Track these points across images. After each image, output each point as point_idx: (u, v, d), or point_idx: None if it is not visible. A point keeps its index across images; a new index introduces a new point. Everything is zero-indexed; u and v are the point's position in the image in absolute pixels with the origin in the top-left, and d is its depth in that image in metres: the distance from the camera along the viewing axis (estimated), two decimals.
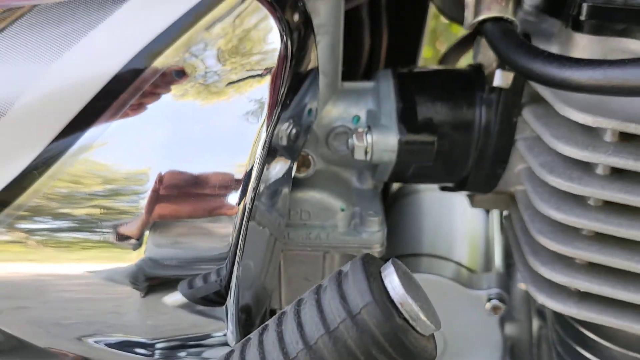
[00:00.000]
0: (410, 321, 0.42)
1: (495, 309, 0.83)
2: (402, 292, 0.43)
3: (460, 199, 1.00)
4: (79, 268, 0.60)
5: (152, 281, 0.60)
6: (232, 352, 0.49)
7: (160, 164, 0.58)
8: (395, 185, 1.15)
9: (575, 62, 0.51)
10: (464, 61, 0.97)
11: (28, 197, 0.58)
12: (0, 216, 0.59)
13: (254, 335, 0.47)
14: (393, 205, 1.09)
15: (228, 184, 0.58)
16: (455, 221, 1.02)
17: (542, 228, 0.65)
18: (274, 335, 0.44)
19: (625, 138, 0.59)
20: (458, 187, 0.76)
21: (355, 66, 1.00)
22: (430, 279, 0.86)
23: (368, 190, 0.76)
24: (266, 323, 0.48)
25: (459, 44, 0.95)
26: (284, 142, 0.63)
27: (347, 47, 0.88)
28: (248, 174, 0.57)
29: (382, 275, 0.44)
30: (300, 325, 0.43)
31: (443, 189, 0.82)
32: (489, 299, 0.84)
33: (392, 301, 0.42)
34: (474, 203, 0.81)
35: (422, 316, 0.43)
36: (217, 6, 0.57)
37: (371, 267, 0.45)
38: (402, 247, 0.95)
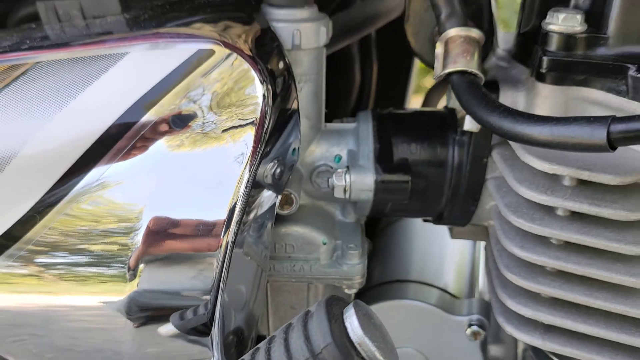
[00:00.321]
0: None
1: (475, 334, 0.88)
2: (361, 333, 0.47)
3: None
4: (76, 300, 0.65)
5: (145, 312, 0.65)
6: None
7: (152, 204, 0.63)
8: None
9: (526, 117, 0.56)
10: None
11: (35, 233, 0.64)
12: (11, 250, 0.65)
13: None
14: (385, 229, 1.14)
15: (212, 222, 0.63)
16: (444, 247, 1.07)
17: (509, 263, 0.69)
18: None
19: (583, 183, 0.63)
20: (436, 221, 0.81)
21: (346, 100, 1.05)
22: (416, 305, 0.91)
23: (351, 224, 0.81)
24: (241, 358, 0.53)
25: (439, 85, 1.00)
26: (269, 180, 0.68)
27: (339, 82, 0.93)
28: (231, 211, 0.63)
29: (344, 317, 0.49)
30: None
31: (425, 220, 0.87)
32: (470, 325, 0.88)
33: (351, 341, 0.47)
34: (453, 234, 0.86)
35: (379, 355, 0.47)
36: (204, 62, 0.62)
37: (334, 309, 0.49)
38: (392, 273, 1.00)
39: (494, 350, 0.96)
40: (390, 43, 1.08)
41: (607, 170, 0.60)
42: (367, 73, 1.05)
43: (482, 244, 1.08)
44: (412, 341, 0.91)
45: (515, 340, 0.98)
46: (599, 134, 0.50)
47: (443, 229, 1.08)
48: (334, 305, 0.50)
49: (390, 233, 1.12)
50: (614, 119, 0.50)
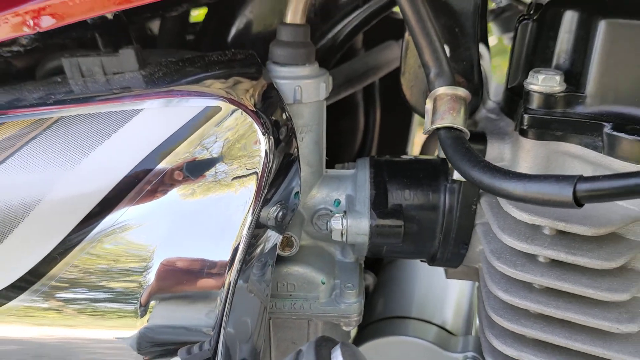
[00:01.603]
0: None
1: None
2: None
3: None
4: (92, 333, 0.71)
5: (154, 347, 0.70)
6: None
7: (164, 245, 0.69)
8: None
9: (503, 173, 0.60)
10: None
11: (58, 270, 0.70)
12: (35, 286, 0.71)
13: None
14: (389, 264, 1.19)
15: (217, 262, 0.69)
16: (445, 284, 1.11)
17: (495, 305, 0.73)
18: None
19: (561, 232, 0.67)
20: (430, 262, 0.85)
21: (352, 142, 1.11)
22: (414, 342, 0.95)
23: (350, 263, 0.86)
24: None
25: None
26: (272, 222, 0.74)
27: (344, 125, 0.99)
28: (234, 252, 0.68)
29: (331, 357, 0.54)
30: None
31: (421, 260, 0.91)
32: None
33: None
34: (447, 275, 0.90)
35: None
36: (212, 118, 0.69)
37: (323, 350, 0.54)
38: (394, 308, 1.04)
39: None
40: (393, 89, 1.14)
41: (582, 221, 0.64)
42: (370, 117, 1.11)
43: None
44: None
45: None
46: (566, 192, 0.55)
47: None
48: (323, 347, 0.54)
49: (394, 268, 1.17)
50: (580, 179, 0.55)
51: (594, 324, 0.66)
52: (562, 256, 0.66)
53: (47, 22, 0.69)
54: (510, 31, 1.19)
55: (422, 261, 0.91)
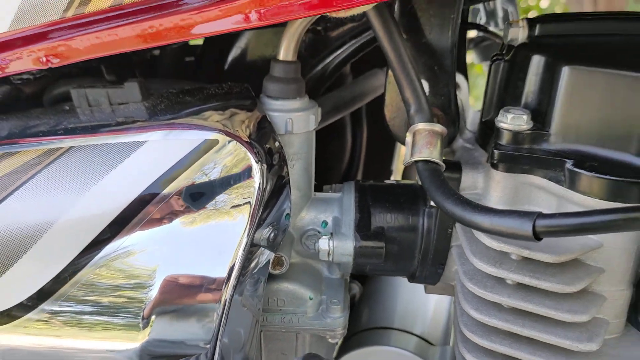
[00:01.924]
0: None
1: None
2: None
3: None
4: (99, 345, 0.77)
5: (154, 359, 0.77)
6: None
7: (165, 264, 0.76)
8: None
9: (473, 207, 0.67)
10: None
11: (68, 288, 0.76)
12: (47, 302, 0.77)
13: None
14: (374, 276, 1.25)
15: (215, 279, 0.75)
16: (425, 297, 1.18)
17: (467, 322, 0.80)
18: None
19: (527, 258, 0.74)
20: (410, 279, 0.92)
21: (339, 162, 1.17)
22: (395, 352, 1.01)
23: (336, 279, 0.93)
24: None
25: None
26: (265, 242, 0.80)
27: (332, 146, 1.05)
28: (230, 271, 0.75)
29: None
30: None
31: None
32: None
33: None
34: (427, 290, 0.97)
35: None
36: (210, 150, 0.75)
37: None
38: (377, 320, 1.11)
39: None
40: (379, 110, 1.20)
41: (545, 249, 0.71)
42: (358, 138, 1.17)
43: None
44: None
45: None
46: (526, 227, 0.61)
47: None
48: None
49: (379, 280, 1.23)
50: (539, 215, 0.61)
51: (556, 342, 0.73)
52: (527, 280, 0.72)
53: (59, 60, 0.75)
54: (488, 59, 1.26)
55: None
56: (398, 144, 1.23)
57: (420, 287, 1.19)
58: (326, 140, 0.92)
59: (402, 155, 1.40)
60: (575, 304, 0.73)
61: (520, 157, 0.74)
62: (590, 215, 0.61)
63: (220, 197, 0.76)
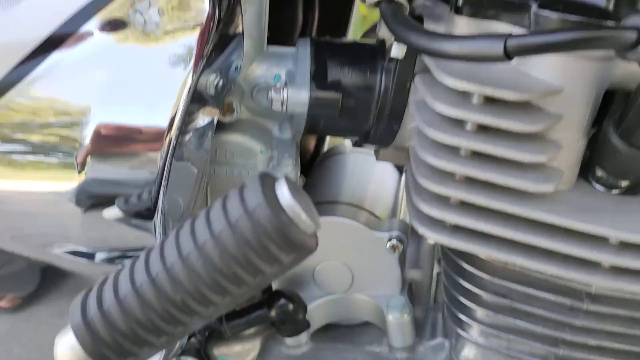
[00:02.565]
0: (294, 219, 0.55)
1: (394, 247, 0.98)
2: (289, 197, 0.55)
3: (379, 163, 1.14)
4: (30, 185, 0.71)
5: (93, 199, 0.71)
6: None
7: (100, 100, 0.70)
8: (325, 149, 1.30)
9: (439, 36, 0.65)
10: None
11: None
12: None
13: (172, 230, 0.60)
14: (321, 163, 1.23)
15: (157, 122, 0.70)
16: (372, 178, 1.17)
17: (424, 172, 0.79)
18: (187, 229, 0.56)
19: (489, 100, 0.73)
20: (363, 140, 0.90)
21: (289, 41, 1.12)
22: (344, 222, 0.99)
23: (287, 139, 0.89)
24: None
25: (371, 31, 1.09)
26: (211, 91, 0.75)
27: (282, 22, 1.00)
28: (174, 113, 0.70)
29: (275, 185, 0.57)
30: (208, 221, 0.55)
31: (354, 144, 0.95)
32: (390, 239, 0.98)
33: (279, 204, 0.55)
34: (379, 157, 0.95)
35: (303, 217, 0.55)
36: None
37: (267, 180, 0.57)
38: (324, 195, 1.08)
39: (412, 274, 1.08)
40: None
41: (508, 88, 0.70)
42: (309, 13, 1.13)
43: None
44: (339, 255, 1.00)
45: (431, 265, 1.09)
46: (497, 47, 0.60)
47: (373, 163, 1.18)
48: (267, 179, 0.57)
49: (324, 166, 1.21)
50: (510, 36, 0.60)
51: (514, 184, 0.73)
52: (488, 120, 0.71)
53: None
54: None
55: (354, 145, 0.95)
56: (350, 27, 1.19)
57: (368, 168, 1.18)
58: (274, 14, 0.87)
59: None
60: (534, 145, 0.73)
61: (486, 1, 0.72)
62: (561, 33, 0.60)
63: (166, 27, 0.70)
